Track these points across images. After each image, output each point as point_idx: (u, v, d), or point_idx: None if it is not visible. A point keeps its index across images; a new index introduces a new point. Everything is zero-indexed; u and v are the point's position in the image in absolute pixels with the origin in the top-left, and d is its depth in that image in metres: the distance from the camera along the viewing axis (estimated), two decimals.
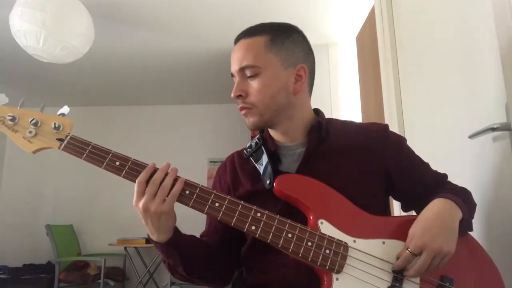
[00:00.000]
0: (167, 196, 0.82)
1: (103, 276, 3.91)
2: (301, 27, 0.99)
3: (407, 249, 0.79)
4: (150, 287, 4.36)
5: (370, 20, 2.48)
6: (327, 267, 0.80)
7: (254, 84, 0.92)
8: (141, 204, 0.81)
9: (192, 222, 1.50)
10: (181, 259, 0.89)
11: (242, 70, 0.92)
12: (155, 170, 0.83)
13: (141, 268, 4.32)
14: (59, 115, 0.92)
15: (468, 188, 0.96)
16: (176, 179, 0.84)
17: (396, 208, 1.73)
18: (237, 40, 0.97)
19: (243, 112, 0.94)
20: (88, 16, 2.54)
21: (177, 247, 0.88)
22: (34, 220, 4.65)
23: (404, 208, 1.06)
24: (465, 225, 0.87)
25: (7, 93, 0.98)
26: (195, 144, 4.98)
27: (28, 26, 2.30)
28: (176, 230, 0.88)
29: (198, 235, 1.04)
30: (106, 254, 4.20)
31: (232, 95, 0.93)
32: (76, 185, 4.80)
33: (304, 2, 2.77)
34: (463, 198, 0.89)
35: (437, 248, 0.78)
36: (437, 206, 0.85)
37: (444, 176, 1.01)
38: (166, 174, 0.83)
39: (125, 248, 4.21)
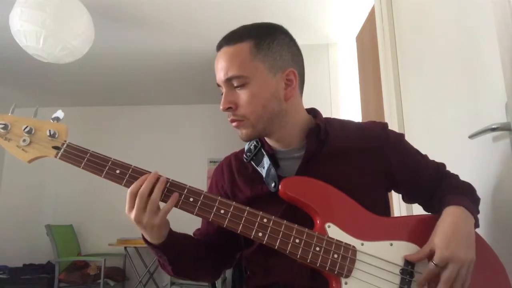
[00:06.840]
0: (158, 209, 0.81)
1: (103, 276, 3.90)
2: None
3: (432, 261, 0.77)
4: (150, 287, 4.36)
5: (370, 20, 2.48)
6: (335, 272, 0.79)
7: (242, 94, 0.87)
8: (132, 216, 0.80)
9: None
10: (169, 261, 0.90)
11: (228, 80, 0.88)
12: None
13: (141, 268, 4.32)
14: (53, 119, 0.88)
15: None
16: (164, 186, 0.82)
17: (395, 208, 1.73)
18: (219, 47, 0.91)
19: (234, 124, 0.90)
20: (88, 16, 2.54)
21: (167, 251, 0.88)
22: (34, 220, 4.65)
23: (407, 200, 1.06)
24: (475, 225, 0.87)
25: (7, 93, 0.96)
26: (195, 144, 4.98)
27: (28, 26, 2.30)
28: (169, 233, 0.87)
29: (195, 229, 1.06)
30: (106, 254, 4.20)
31: (221, 108, 0.89)
32: (76, 185, 4.79)
33: (304, 2, 2.76)
34: (471, 199, 0.89)
35: (463, 258, 0.77)
36: (451, 216, 0.83)
37: (443, 165, 1.01)
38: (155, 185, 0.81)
39: (125, 248, 4.21)
